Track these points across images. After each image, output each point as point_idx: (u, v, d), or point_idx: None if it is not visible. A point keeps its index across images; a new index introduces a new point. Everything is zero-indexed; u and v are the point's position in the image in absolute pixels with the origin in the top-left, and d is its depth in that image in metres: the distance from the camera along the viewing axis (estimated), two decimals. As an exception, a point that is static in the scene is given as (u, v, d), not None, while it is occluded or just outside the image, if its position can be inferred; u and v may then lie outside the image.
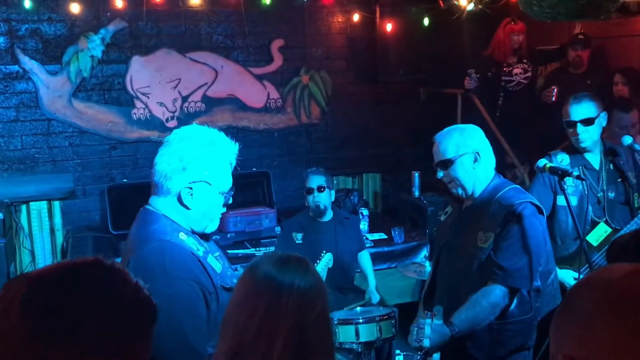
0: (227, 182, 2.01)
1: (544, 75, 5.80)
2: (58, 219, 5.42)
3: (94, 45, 5.36)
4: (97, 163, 5.53)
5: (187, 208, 1.94)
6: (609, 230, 3.22)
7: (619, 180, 3.30)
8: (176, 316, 1.78)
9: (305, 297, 1.41)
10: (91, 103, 5.44)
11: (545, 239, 2.46)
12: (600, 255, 3.16)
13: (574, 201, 3.14)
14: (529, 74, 5.60)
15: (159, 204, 1.98)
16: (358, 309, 3.62)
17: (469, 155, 2.52)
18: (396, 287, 4.89)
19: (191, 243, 1.94)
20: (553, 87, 5.14)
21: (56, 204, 5.39)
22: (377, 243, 5.00)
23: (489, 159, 2.57)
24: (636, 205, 3.33)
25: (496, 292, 2.38)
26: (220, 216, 2.08)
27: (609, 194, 3.28)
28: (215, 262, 1.99)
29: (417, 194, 5.65)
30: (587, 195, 3.17)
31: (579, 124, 3.24)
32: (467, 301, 2.40)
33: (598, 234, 3.20)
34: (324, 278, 3.17)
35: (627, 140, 3.32)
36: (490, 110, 5.54)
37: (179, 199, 1.93)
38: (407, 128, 6.33)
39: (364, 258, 4.38)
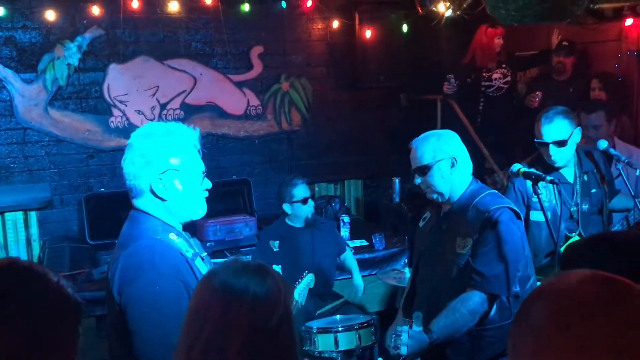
0: (197, 166, 2.03)
1: (524, 81, 5.85)
2: (34, 230, 5.32)
3: (70, 53, 5.29)
4: (74, 172, 5.45)
5: (163, 200, 1.97)
6: None
7: (593, 190, 3.30)
8: (161, 313, 1.82)
9: (262, 303, 1.38)
10: (68, 112, 5.37)
11: (523, 244, 2.46)
12: None
13: (546, 213, 3.11)
14: (509, 78, 5.63)
15: (142, 205, 2.00)
16: (338, 317, 3.59)
17: (446, 160, 2.52)
18: (377, 294, 4.88)
19: (181, 244, 1.98)
20: (537, 92, 5.18)
21: (32, 214, 5.30)
22: (358, 250, 4.98)
23: (465, 165, 2.57)
24: (606, 210, 3.34)
25: (475, 299, 2.38)
26: (204, 201, 2.09)
27: (583, 206, 3.26)
28: (202, 265, 2.02)
29: (397, 200, 5.65)
30: (561, 206, 3.15)
31: (551, 145, 3.15)
32: (446, 308, 2.39)
33: None
34: (304, 298, 3.15)
35: (603, 144, 3.34)
36: (471, 115, 5.56)
37: (154, 194, 1.97)
38: (388, 134, 6.33)
39: (348, 257, 4.41)
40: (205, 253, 2.14)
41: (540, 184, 2.82)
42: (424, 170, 2.54)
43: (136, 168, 1.95)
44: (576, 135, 3.20)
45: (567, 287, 0.90)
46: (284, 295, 1.42)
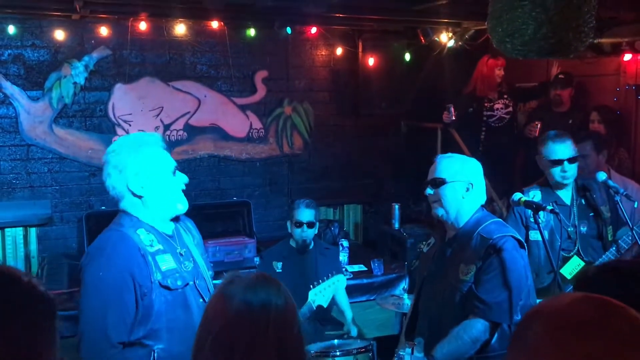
0: (166, 163, 2.20)
1: (524, 112, 5.93)
2: (34, 246, 5.32)
3: (77, 72, 5.36)
4: (76, 190, 5.48)
5: (140, 197, 2.15)
6: (582, 263, 3.31)
7: (591, 214, 3.37)
8: (99, 298, 2.02)
9: (285, 313, 1.42)
10: (72, 129, 5.41)
11: (526, 273, 2.48)
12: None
13: (545, 236, 3.20)
14: (510, 108, 5.71)
15: (124, 205, 2.22)
16: (336, 341, 3.58)
17: (463, 183, 2.56)
18: (375, 319, 4.87)
19: (146, 239, 2.12)
20: (537, 123, 5.25)
21: (32, 231, 5.30)
22: (356, 275, 4.98)
23: (479, 194, 2.60)
24: (609, 239, 3.41)
25: (477, 326, 2.39)
26: (182, 195, 2.26)
27: (581, 228, 3.37)
28: (167, 261, 2.14)
29: (397, 225, 5.68)
30: (560, 227, 3.27)
31: (566, 162, 3.35)
32: (449, 335, 2.40)
33: (571, 267, 3.30)
34: (329, 298, 3.21)
35: (601, 176, 3.40)
36: (472, 144, 5.62)
37: (132, 193, 2.15)
38: (388, 160, 6.39)
39: (341, 289, 4.34)
40: (185, 249, 2.24)
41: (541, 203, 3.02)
42: (439, 183, 2.57)
43: (113, 179, 2.15)
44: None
45: (562, 308, 0.93)
46: (294, 303, 1.49)
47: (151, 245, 2.12)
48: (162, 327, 2.08)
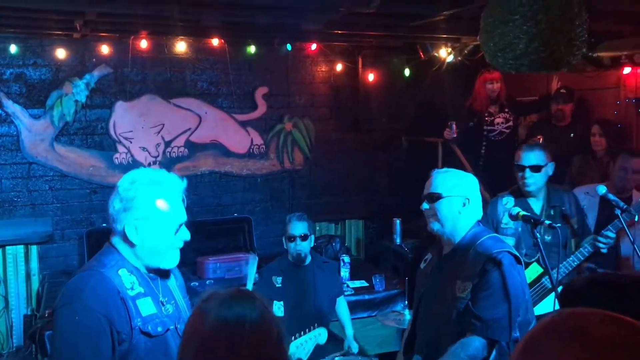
0: (175, 217, 2.06)
1: (524, 126, 5.92)
2: (35, 264, 5.32)
3: (78, 90, 5.39)
4: (77, 207, 5.48)
5: (133, 244, 2.03)
6: (541, 270, 3.47)
7: (558, 225, 3.40)
8: (73, 344, 1.90)
9: (261, 325, 1.40)
10: (73, 147, 5.44)
11: (523, 288, 2.46)
12: (532, 291, 3.39)
13: (510, 241, 3.37)
14: (511, 123, 5.70)
15: (114, 241, 2.09)
16: (337, 358, 3.56)
17: (460, 198, 2.56)
18: (377, 336, 4.83)
19: (127, 281, 2.01)
20: (539, 137, 5.24)
21: (33, 249, 5.31)
22: (357, 291, 4.95)
23: (476, 209, 2.60)
24: (572, 249, 3.53)
25: (475, 344, 2.36)
26: (177, 252, 2.11)
27: (546, 237, 3.46)
28: (147, 305, 2.03)
29: (398, 241, 5.65)
30: (526, 235, 3.41)
31: (527, 169, 3.48)
32: (446, 353, 2.37)
33: (531, 273, 3.43)
34: (307, 353, 3.15)
35: (601, 190, 3.39)
36: (473, 159, 5.61)
37: (125, 237, 2.03)
38: (389, 175, 6.39)
39: (341, 305, 4.32)
40: (166, 298, 2.12)
41: (507, 214, 3.31)
42: (436, 198, 2.57)
43: (115, 212, 2.03)
44: (549, 168, 3.55)
45: (585, 326, 0.92)
46: (273, 315, 1.48)
47: (132, 289, 2.01)
48: None
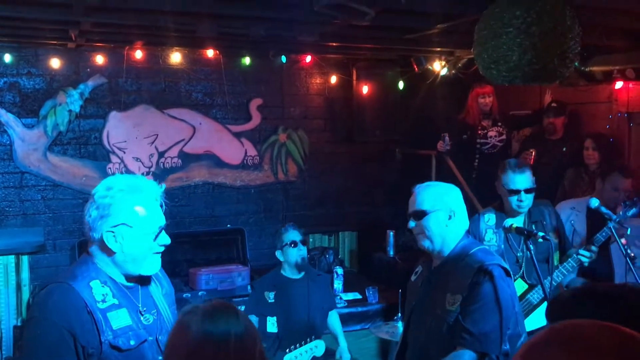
0: (153, 221, 2.02)
1: (517, 139, 5.94)
2: (25, 274, 5.28)
3: (72, 100, 5.38)
4: (69, 217, 5.45)
5: (112, 252, 1.99)
6: (526, 286, 3.47)
7: (540, 241, 3.42)
8: (34, 356, 1.88)
9: (245, 340, 1.39)
10: (66, 157, 5.42)
11: (513, 301, 2.45)
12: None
13: None
14: (504, 136, 5.73)
15: (92, 251, 2.05)
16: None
17: (444, 212, 2.55)
18: (370, 348, 4.82)
19: (98, 293, 1.96)
20: (532, 150, 5.27)
21: (24, 259, 5.27)
22: (351, 303, 4.94)
23: (462, 220, 2.60)
24: (555, 264, 3.51)
25: (465, 357, 2.35)
26: (158, 257, 2.08)
27: (528, 252, 3.41)
28: (121, 318, 1.98)
29: (391, 253, 5.65)
30: (509, 251, 3.44)
31: (522, 192, 3.47)
32: None
33: (517, 289, 3.36)
34: None
35: (594, 202, 3.41)
36: (466, 171, 5.63)
37: (103, 245, 1.99)
38: (383, 187, 6.39)
39: (333, 318, 4.30)
40: (145, 309, 2.07)
41: (489, 231, 3.43)
42: (421, 215, 2.56)
43: (92, 220, 1.98)
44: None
45: (583, 335, 0.92)
46: (256, 329, 1.48)
47: (103, 301, 1.95)
48: None
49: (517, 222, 3.50)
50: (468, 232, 2.61)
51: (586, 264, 3.45)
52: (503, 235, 3.46)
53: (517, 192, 3.47)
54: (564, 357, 0.91)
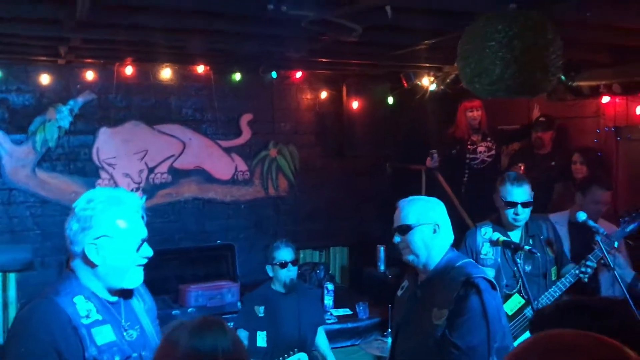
0: (134, 233, 2.01)
1: (506, 154, 5.98)
2: (12, 292, 5.22)
3: (62, 116, 5.38)
4: (58, 234, 5.34)
5: (94, 265, 1.97)
6: (523, 301, 3.41)
7: (537, 255, 3.42)
8: None
9: (232, 355, 1.38)
10: (55, 173, 5.40)
11: (499, 314, 2.44)
12: (514, 324, 3.33)
13: (491, 273, 3.31)
14: (493, 151, 5.76)
15: (74, 266, 2.02)
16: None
17: (429, 226, 2.55)
18: (361, 364, 4.78)
19: (82, 308, 1.94)
20: (520, 165, 5.29)
21: (12, 276, 5.21)
22: (341, 319, 4.92)
23: (446, 234, 2.59)
24: (553, 278, 3.50)
25: None
26: (141, 270, 2.05)
27: (526, 267, 3.44)
28: (105, 334, 1.96)
29: (382, 268, 5.64)
30: (506, 266, 3.39)
31: (519, 206, 3.45)
32: None
33: (512, 304, 3.38)
34: None
35: (582, 216, 3.42)
36: (455, 186, 5.65)
37: (85, 258, 1.97)
38: (374, 202, 6.40)
39: (321, 336, 4.26)
40: (129, 323, 2.05)
41: (486, 244, 3.36)
42: (406, 230, 2.57)
43: (73, 234, 1.96)
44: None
45: (566, 344, 0.93)
46: (243, 344, 1.46)
47: (87, 317, 1.93)
48: None
49: (515, 236, 3.51)
50: (452, 245, 2.61)
51: (585, 280, 3.43)
52: (500, 249, 3.43)
53: (514, 204, 3.45)
54: None
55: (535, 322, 1.35)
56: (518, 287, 3.41)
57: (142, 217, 2.05)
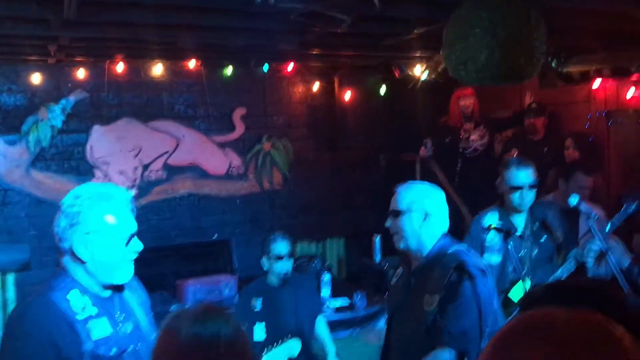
0: (123, 228, 2.01)
1: (499, 141, 6.00)
2: (11, 293, 5.21)
3: (54, 115, 5.37)
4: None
5: (83, 261, 1.97)
6: (528, 287, 3.38)
7: (543, 239, 3.43)
8: None
9: (235, 343, 1.38)
10: (50, 173, 5.39)
11: (490, 299, 2.45)
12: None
13: (497, 259, 3.34)
14: (485, 140, 5.78)
15: (64, 262, 2.03)
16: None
17: (419, 213, 2.55)
18: (359, 354, 4.81)
19: (77, 304, 1.95)
20: (514, 151, 5.32)
21: (10, 277, 5.21)
22: (339, 309, 4.94)
23: (440, 223, 2.58)
24: (559, 263, 3.49)
25: (444, 356, 2.36)
26: (131, 264, 2.05)
27: (533, 252, 3.44)
28: (101, 327, 1.97)
29: (378, 258, 5.66)
30: (512, 251, 3.32)
31: (525, 189, 3.44)
32: None
33: (518, 290, 3.36)
34: None
35: (574, 200, 3.43)
36: (448, 175, 5.67)
37: (74, 255, 1.97)
38: (368, 193, 6.42)
39: (321, 324, 4.29)
40: (124, 315, 2.06)
41: (491, 231, 3.31)
42: (396, 214, 2.58)
43: (61, 230, 1.97)
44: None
45: (552, 322, 0.92)
46: (245, 332, 1.47)
47: (82, 311, 1.94)
48: None
49: (519, 220, 3.50)
50: (446, 233, 2.61)
51: (590, 263, 3.42)
52: (504, 234, 3.41)
53: (519, 188, 3.43)
54: (531, 344, 0.92)
55: (524, 303, 1.36)
56: (524, 272, 3.39)
57: (133, 211, 2.05)
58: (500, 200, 3.59)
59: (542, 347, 0.91)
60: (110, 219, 1.98)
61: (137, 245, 2.04)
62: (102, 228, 1.96)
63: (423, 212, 2.55)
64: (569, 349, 0.89)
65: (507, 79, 2.44)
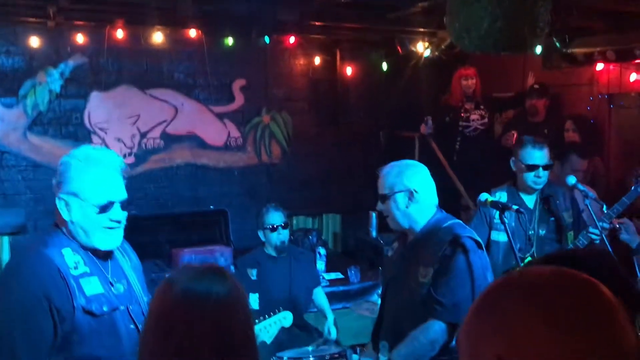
0: (100, 196, 1.98)
1: (500, 122, 5.98)
2: (6, 255, 5.24)
3: (52, 80, 5.33)
4: (50, 198, 5.30)
5: (65, 220, 1.99)
6: None
7: (552, 219, 3.43)
8: (10, 325, 1.86)
9: (225, 303, 1.38)
10: (47, 137, 5.37)
11: (484, 273, 2.45)
12: None
13: (504, 237, 3.28)
14: (486, 120, 5.76)
15: (57, 220, 2.05)
16: (309, 347, 3.56)
17: (403, 193, 2.53)
18: (352, 327, 4.83)
19: (71, 260, 1.96)
20: (513, 132, 5.30)
21: (5, 239, 5.23)
22: (333, 282, 4.97)
23: (427, 199, 2.55)
24: (570, 244, 3.48)
25: (435, 328, 2.38)
26: (111, 232, 2.03)
27: (540, 231, 3.46)
28: (93, 285, 1.98)
29: (374, 234, 5.67)
30: (520, 230, 3.35)
31: (541, 168, 3.45)
32: (407, 337, 2.38)
33: None
34: (271, 336, 3.15)
35: (572, 180, 3.43)
36: (447, 153, 5.66)
37: (59, 212, 1.99)
38: (367, 169, 6.39)
39: (319, 295, 4.34)
40: (115, 278, 2.06)
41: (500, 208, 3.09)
42: (383, 199, 2.58)
43: (53, 187, 2.02)
44: None
45: (538, 281, 0.92)
46: (243, 294, 1.44)
47: (75, 268, 1.95)
48: (85, 354, 1.92)
49: (530, 200, 3.52)
50: (438, 205, 2.59)
51: (597, 241, 3.41)
52: (514, 213, 3.31)
53: (535, 167, 3.43)
54: (516, 304, 0.91)
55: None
56: (532, 251, 3.42)
57: (123, 179, 2.03)
58: (513, 180, 3.58)
59: (524, 297, 0.91)
60: (91, 184, 1.96)
61: (116, 214, 2.00)
62: (80, 191, 1.96)
63: (407, 192, 2.52)
64: (551, 298, 0.89)
65: (510, 48, 2.42)
